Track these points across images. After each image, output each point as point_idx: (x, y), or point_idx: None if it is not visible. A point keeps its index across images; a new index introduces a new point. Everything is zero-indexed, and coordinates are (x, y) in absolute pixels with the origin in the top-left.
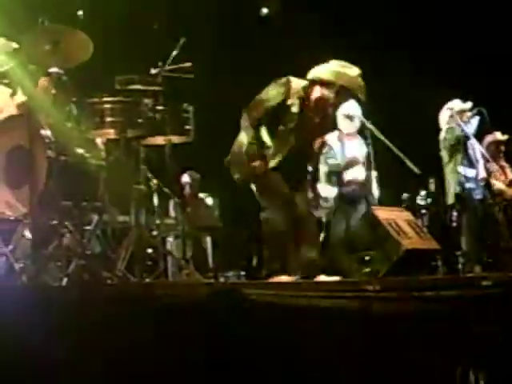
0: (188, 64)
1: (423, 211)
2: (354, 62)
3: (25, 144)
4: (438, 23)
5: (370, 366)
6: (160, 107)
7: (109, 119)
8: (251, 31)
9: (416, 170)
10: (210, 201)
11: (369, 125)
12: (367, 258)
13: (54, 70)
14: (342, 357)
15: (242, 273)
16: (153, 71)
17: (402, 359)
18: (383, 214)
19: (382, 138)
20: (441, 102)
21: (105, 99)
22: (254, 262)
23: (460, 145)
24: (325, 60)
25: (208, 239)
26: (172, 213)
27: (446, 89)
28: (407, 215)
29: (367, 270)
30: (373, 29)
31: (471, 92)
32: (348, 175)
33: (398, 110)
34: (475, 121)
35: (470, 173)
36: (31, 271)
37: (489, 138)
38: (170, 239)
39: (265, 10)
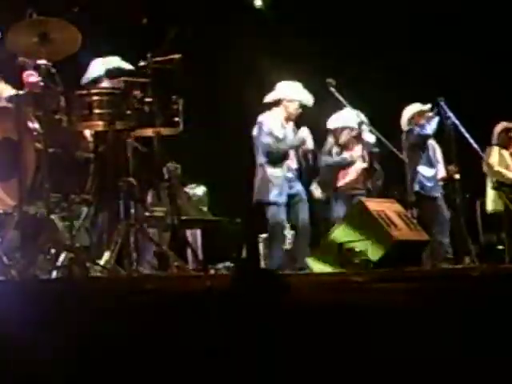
0: (177, 55)
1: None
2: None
3: (13, 136)
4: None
5: (361, 361)
6: (149, 99)
7: (97, 111)
8: (240, 22)
9: (406, 160)
10: (200, 191)
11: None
12: (357, 249)
13: (42, 62)
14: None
15: (232, 265)
16: (142, 63)
17: (392, 352)
18: (373, 205)
19: (373, 130)
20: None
21: (93, 91)
22: (244, 253)
23: (419, 146)
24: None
25: (197, 231)
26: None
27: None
28: (398, 207)
29: (357, 261)
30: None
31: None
32: None
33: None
34: (435, 121)
35: (429, 172)
36: (20, 265)
37: (498, 128)
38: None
39: (258, 2)
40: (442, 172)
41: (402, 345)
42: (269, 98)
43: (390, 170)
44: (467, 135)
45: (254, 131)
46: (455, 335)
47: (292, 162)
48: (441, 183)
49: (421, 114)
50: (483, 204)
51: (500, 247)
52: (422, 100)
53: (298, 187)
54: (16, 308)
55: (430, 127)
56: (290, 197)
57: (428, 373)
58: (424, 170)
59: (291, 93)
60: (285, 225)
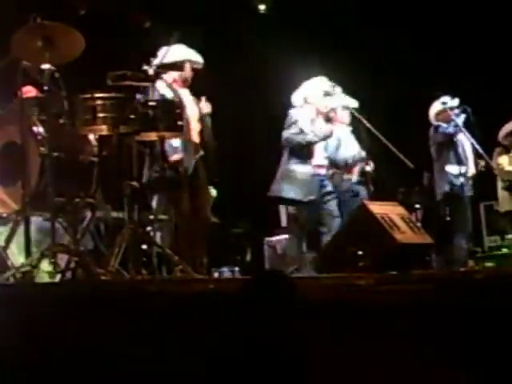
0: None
1: (417, 206)
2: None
3: (17, 140)
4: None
5: (363, 362)
6: (152, 103)
7: (101, 115)
8: (242, 27)
9: (410, 164)
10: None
11: (363, 119)
12: (360, 252)
13: (46, 66)
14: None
15: (236, 268)
16: (145, 67)
17: (396, 354)
18: (377, 208)
19: (376, 132)
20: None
21: (97, 95)
22: (248, 256)
23: (448, 142)
24: None
25: None
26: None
27: (440, 84)
28: (401, 210)
29: (360, 264)
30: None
31: (461, 90)
32: None
33: (392, 105)
34: (463, 117)
35: (457, 170)
36: (25, 267)
37: (502, 132)
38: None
39: (262, 7)
40: (472, 169)
41: (405, 346)
42: (296, 97)
43: (395, 173)
44: (473, 140)
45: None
46: (458, 337)
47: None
48: (471, 182)
49: (449, 109)
50: (486, 207)
51: (504, 250)
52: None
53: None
54: (19, 311)
55: (454, 125)
56: (320, 195)
57: (430, 373)
58: (452, 169)
59: (317, 91)
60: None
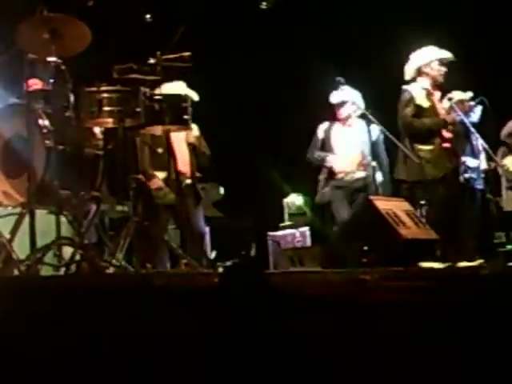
0: (187, 53)
1: (422, 202)
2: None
3: (23, 133)
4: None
5: (367, 359)
6: (158, 96)
7: (107, 108)
8: (247, 23)
9: (415, 159)
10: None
11: (369, 115)
12: (365, 247)
13: (52, 58)
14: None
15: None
16: (151, 60)
17: (399, 350)
18: (382, 204)
19: (382, 127)
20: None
21: (103, 88)
22: (253, 251)
23: (464, 135)
24: None
25: (206, 229)
26: None
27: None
28: (406, 205)
29: (365, 259)
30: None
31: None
32: None
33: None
34: (478, 110)
35: (473, 163)
36: (29, 261)
37: (505, 131)
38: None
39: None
40: (483, 163)
41: (410, 343)
42: (408, 69)
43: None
44: (478, 135)
45: None
46: (463, 333)
47: None
48: (482, 175)
49: (461, 102)
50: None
51: (509, 247)
52: None
53: None
54: (24, 305)
55: (475, 115)
56: None
57: (435, 371)
58: (469, 161)
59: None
60: None
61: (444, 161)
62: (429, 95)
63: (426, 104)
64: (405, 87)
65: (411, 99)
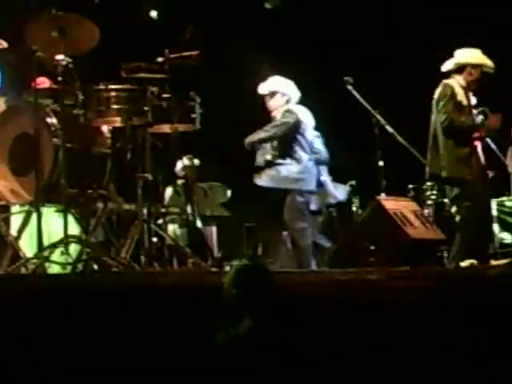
0: (195, 52)
1: (429, 202)
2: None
3: (31, 131)
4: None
5: (373, 356)
6: (166, 95)
7: (115, 107)
8: (253, 21)
9: (423, 159)
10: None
11: (376, 114)
12: (372, 247)
13: (60, 57)
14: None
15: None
16: (159, 59)
17: (407, 349)
18: (389, 204)
19: (389, 127)
20: None
21: (111, 87)
22: (260, 250)
23: None
24: None
25: (213, 228)
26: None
27: None
28: (414, 205)
29: (372, 259)
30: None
31: None
32: None
33: (404, 100)
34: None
35: None
36: (37, 259)
37: None
38: (171, 228)
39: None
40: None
41: (414, 342)
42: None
43: (409, 170)
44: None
45: None
46: (471, 332)
47: None
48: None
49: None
50: (498, 203)
51: None
52: None
53: None
54: (31, 303)
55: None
56: None
57: (441, 370)
58: None
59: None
60: None
61: (477, 160)
62: (466, 93)
63: (465, 102)
64: (445, 81)
65: (453, 95)
